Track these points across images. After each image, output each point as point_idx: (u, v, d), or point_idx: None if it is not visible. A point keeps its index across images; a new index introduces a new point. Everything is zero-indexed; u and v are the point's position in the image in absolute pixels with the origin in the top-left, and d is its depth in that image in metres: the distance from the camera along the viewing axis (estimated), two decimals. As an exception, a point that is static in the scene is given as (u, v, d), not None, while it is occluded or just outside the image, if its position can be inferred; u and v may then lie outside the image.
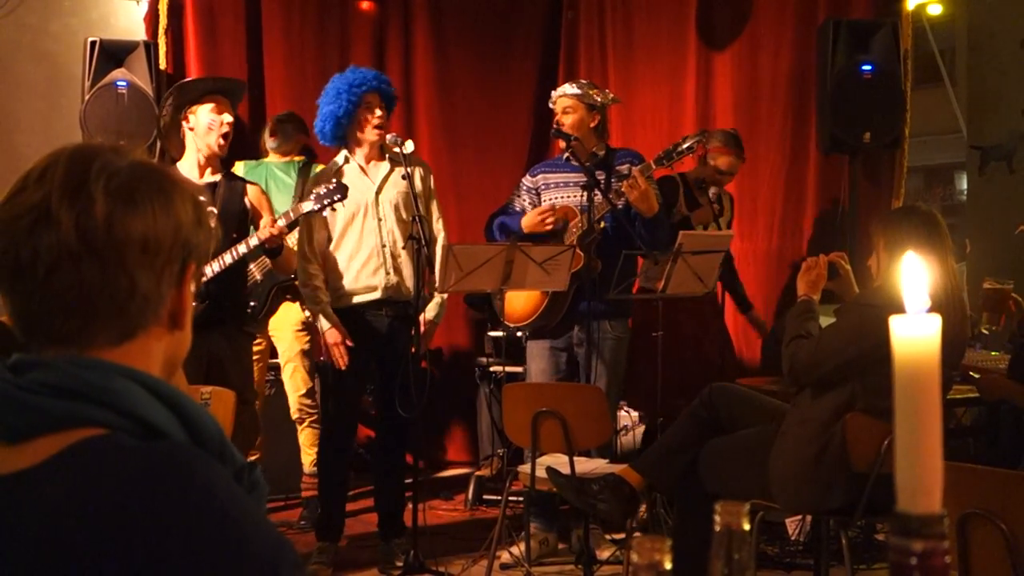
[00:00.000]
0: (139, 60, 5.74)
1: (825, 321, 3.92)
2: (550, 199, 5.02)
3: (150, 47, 5.82)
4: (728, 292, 5.46)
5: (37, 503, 1.12)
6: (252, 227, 4.62)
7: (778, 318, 5.96)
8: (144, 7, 6.10)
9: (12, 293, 1.23)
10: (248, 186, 4.67)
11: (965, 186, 11.22)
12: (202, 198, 1.36)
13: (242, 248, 4.40)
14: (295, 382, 5.62)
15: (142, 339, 1.26)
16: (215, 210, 4.43)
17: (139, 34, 6.01)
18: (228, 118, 4.53)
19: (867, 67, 5.57)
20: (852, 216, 5.73)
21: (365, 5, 6.69)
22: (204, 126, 4.48)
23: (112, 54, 5.73)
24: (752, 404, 4.03)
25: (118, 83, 5.60)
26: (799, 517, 4.74)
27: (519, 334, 5.34)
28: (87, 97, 5.60)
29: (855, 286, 3.92)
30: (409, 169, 4.64)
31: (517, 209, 5.09)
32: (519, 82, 6.74)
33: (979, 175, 6.40)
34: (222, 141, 4.52)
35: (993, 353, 5.04)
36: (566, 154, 5.03)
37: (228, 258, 4.39)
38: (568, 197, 4.97)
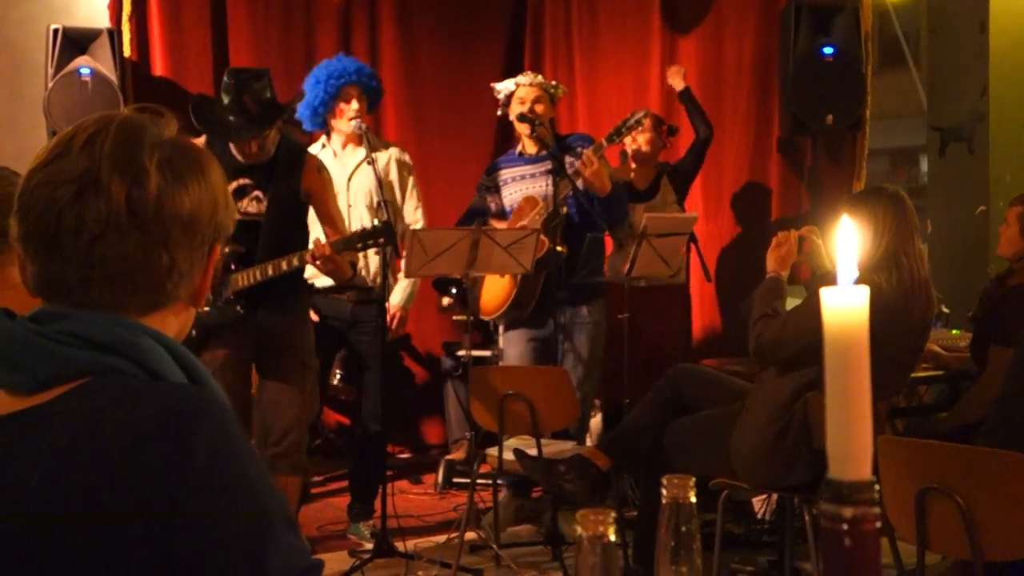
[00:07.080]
0: (103, 47, 5.67)
1: (792, 301, 3.95)
2: (510, 193, 5.08)
3: (114, 34, 5.75)
4: None
5: (54, 430, 1.15)
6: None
7: (743, 298, 5.98)
8: (108, -6, 6.04)
9: (43, 258, 1.23)
10: (305, 167, 4.23)
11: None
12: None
13: (284, 265, 4.02)
14: None
15: (163, 312, 1.29)
16: (260, 194, 4.16)
17: (103, 21, 5.94)
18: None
19: (828, 50, 5.62)
20: (814, 197, 5.78)
21: (331, -9, 6.66)
22: None
23: (75, 41, 5.67)
24: (716, 384, 4.07)
25: (81, 71, 5.54)
26: (765, 496, 4.79)
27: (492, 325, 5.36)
28: (50, 85, 5.53)
29: (827, 260, 3.91)
30: (375, 155, 4.64)
31: (482, 208, 5.14)
32: (485, 67, 6.73)
33: (939, 157, 6.45)
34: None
35: (954, 332, 5.10)
36: (519, 148, 5.12)
37: (270, 270, 4.02)
38: (528, 189, 5.03)
